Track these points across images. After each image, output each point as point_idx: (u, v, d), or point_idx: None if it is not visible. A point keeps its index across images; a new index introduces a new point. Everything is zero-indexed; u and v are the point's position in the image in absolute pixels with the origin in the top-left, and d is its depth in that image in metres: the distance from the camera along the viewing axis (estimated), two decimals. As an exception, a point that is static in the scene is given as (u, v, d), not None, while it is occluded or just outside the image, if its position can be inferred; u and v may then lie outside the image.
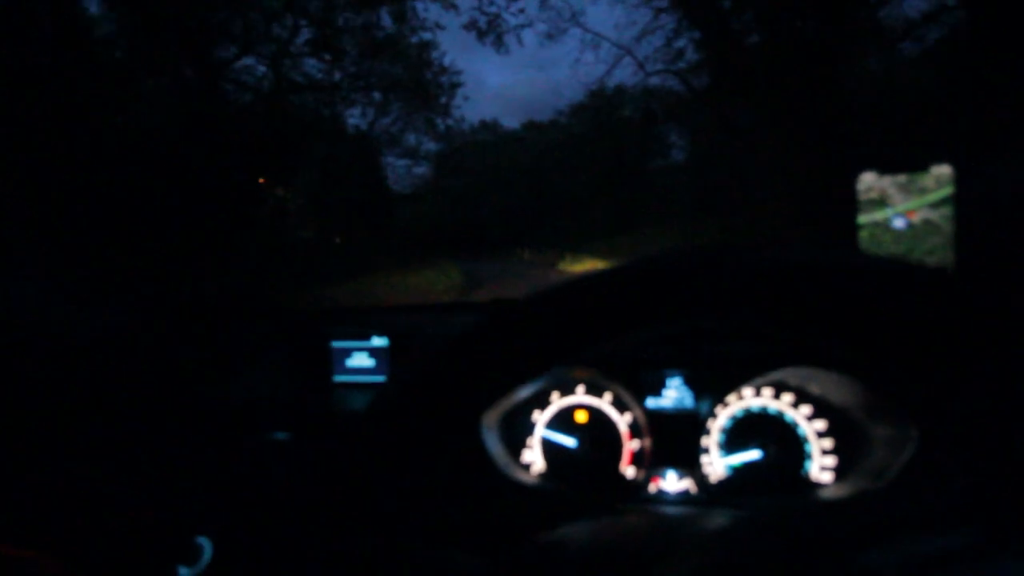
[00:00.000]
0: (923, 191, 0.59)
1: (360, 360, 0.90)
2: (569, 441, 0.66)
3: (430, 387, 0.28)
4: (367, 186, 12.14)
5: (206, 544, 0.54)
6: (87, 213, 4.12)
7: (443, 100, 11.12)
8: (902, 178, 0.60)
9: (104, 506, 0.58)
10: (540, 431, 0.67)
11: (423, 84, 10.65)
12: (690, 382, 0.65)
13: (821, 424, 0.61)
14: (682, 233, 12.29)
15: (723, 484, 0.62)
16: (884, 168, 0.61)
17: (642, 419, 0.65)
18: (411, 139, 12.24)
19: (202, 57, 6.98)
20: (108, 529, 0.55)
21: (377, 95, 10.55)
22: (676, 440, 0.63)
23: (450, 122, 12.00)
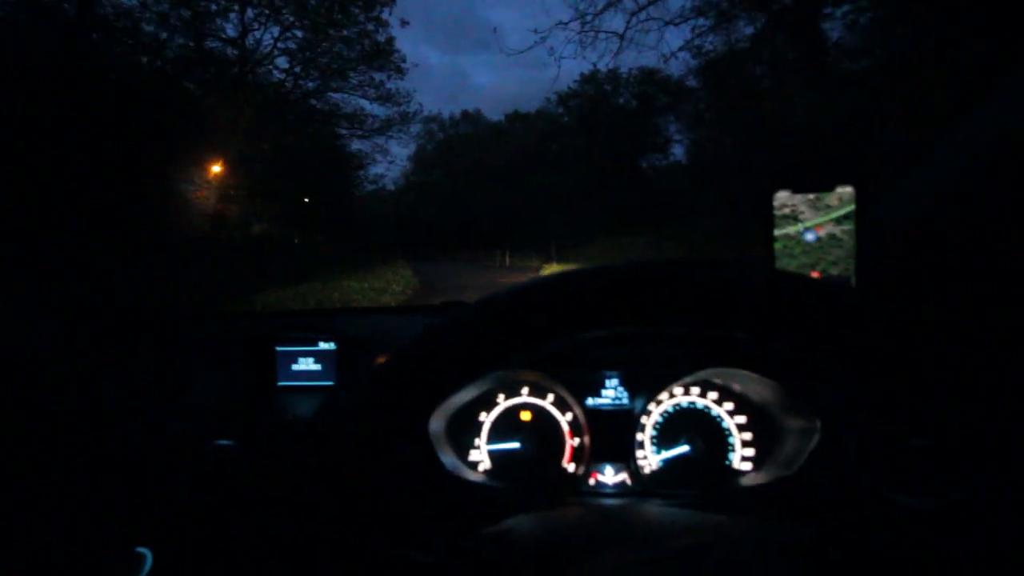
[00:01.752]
0: (828, 208, 0.71)
1: (306, 364, 0.97)
2: (513, 445, 0.74)
3: (380, 389, 0.33)
4: (323, 175, 11.82)
5: (147, 554, 0.57)
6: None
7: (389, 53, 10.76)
8: (811, 196, 0.71)
9: (41, 518, 0.62)
10: (486, 432, 0.75)
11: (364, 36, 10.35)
12: (626, 382, 0.75)
13: (742, 419, 0.71)
14: (680, 237, 12.62)
15: (656, 476, 0.72)
16: (796, 187, 0.72)
17: (582, 418, 0.74)
18: (364, 106, 11.86)
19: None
20: (44, 540, 0.60)
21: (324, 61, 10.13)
22: (613, 436, 0.72)
23: (401, 85, 11.67)
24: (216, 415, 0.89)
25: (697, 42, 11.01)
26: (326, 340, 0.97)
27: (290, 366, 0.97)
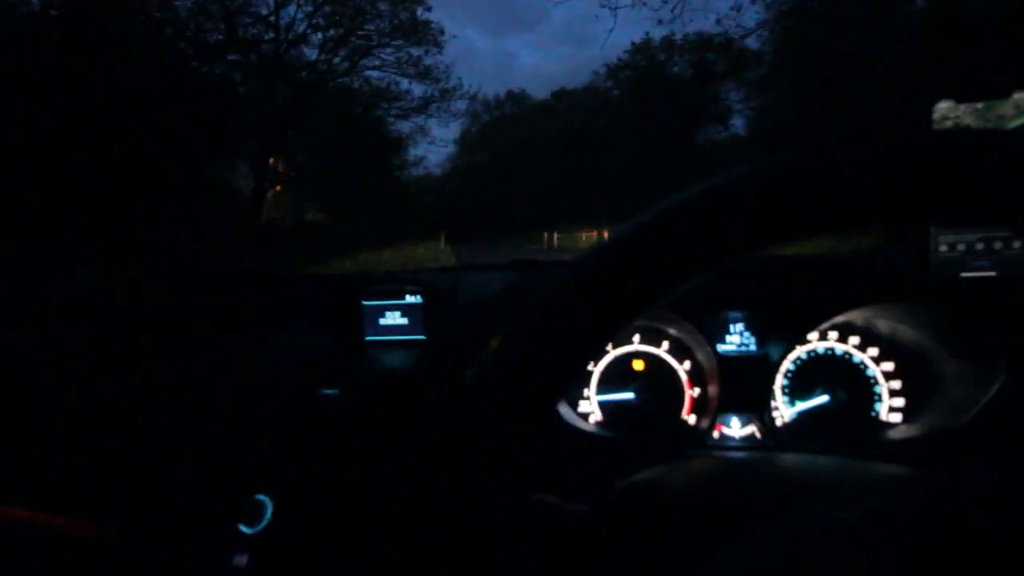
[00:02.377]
0: (1001, 119, 0.62)
1: (393, 318, 0.99)
2: (626, 395, 0.71)
3: (535, 344, 0.28)
4: (361, 157, 11.72)
5: (267, 501, 0.59)
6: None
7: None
8: (979, 105, 0.63)
9: (163, 469, 0.66)
10: (595, 382, 0.73)
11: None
12: (753, 325, 0.69)
13: (889, 365, 0.65)
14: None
15: (789, 428, 0.67)
16: (960, 95, 0.63)
17: (708, 364, 0.69)
18: (401, 83, 11.56)
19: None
20: (168, 491, 0.63)
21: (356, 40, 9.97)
22: (741, 386, 0.67)
23: (440, 60, 11.23)
24: (309, 369, 0.92)
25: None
26: (412, 293, 0.98)
27: (377, 320, 1.00)
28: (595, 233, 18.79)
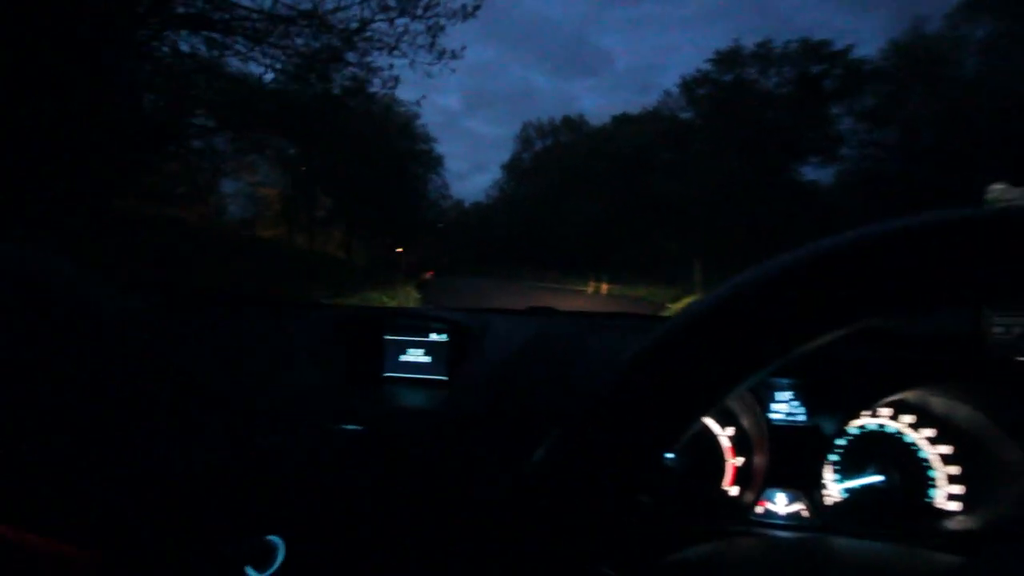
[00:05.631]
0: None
1: (416, 355, 1.09)
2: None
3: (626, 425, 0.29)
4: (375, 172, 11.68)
5: (279, 543, 0.61)
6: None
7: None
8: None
9: (170, 504, 0.68)
10: None
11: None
12: (802, 394, 0.73)
13: (946, 448, 0.69)
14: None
15: (838, 508, 0.70)
16: (1017, 179, 0.71)
17: (755, 432, 0.73)
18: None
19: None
20: (175, 529, 0.65)
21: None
22: (789, 458, 0.71)
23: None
24: (319, 401, 0.99)
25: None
26: (438, 331, 1.09)
27: (398, 356, 1.10)
28: (651, 287, 17.47)
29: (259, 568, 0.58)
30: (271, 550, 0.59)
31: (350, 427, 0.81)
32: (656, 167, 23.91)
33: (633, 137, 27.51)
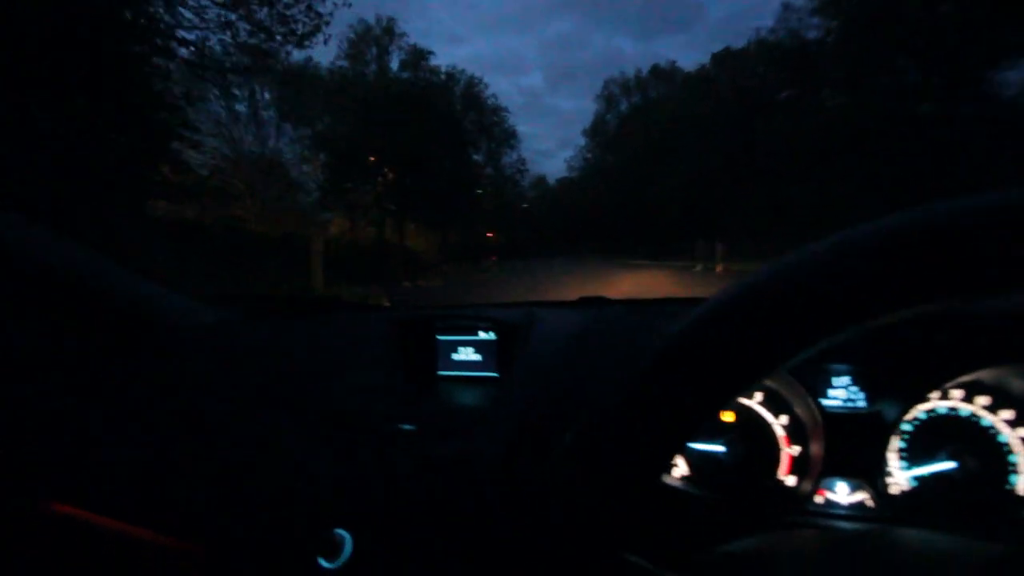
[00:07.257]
0: None
1: (466, 354, 1.18)
2: (715, 447, 0.77)
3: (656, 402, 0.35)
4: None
5: (346, 536, 0.68)
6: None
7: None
8: None
9: (246, 497, 0.78)
10: None
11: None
12: (861, 380, 0.73)
13: None
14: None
15: (906, 498, 0.69)
16: None
17: (810, 420, 0.74)
18: None
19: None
20: (250, 520, 0.75)
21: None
22: (848, 446, 0.71)
23: None
24: (380, 401, 1.07)
25: None
26: (485, 330, 1.16)
27: (450, 355, 1.19)
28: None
29: (330, 559, 0.66)
30: (339, 543, 0.67)
31: (406, 426, 0.90)
32: (774, 106, 21.39)
33: (740, 73, 25.37)
